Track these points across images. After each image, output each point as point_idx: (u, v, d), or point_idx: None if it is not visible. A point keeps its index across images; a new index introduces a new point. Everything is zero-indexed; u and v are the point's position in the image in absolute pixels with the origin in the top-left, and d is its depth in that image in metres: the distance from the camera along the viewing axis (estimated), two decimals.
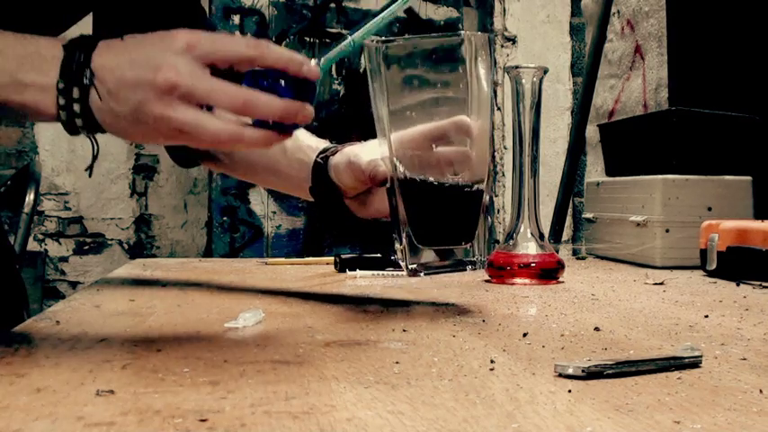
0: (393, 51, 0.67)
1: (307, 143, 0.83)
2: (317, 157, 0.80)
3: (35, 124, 2.78)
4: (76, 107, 0.58)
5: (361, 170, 0.73)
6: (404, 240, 0.70)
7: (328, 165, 0.78)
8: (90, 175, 0.65)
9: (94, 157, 0.62)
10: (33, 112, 0.59)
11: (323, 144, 0.82)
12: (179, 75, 0.56)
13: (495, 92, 2.82)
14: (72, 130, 0.59)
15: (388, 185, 0.71)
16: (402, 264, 0.71)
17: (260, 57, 0.58)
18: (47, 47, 0.59)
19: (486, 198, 0.70)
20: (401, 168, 0.69)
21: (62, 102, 0.57)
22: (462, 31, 0.66)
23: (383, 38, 0.68)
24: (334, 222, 0.82)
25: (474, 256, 0.71)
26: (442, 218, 0.70)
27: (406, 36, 0.70)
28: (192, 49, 0.56)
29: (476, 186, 0.69)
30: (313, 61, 0.62)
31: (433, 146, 0.69)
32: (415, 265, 0.70)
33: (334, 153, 0.79)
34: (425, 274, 0.71)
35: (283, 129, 0.60)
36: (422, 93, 0.69)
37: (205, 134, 0.57)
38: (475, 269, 0.71)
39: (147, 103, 0.56)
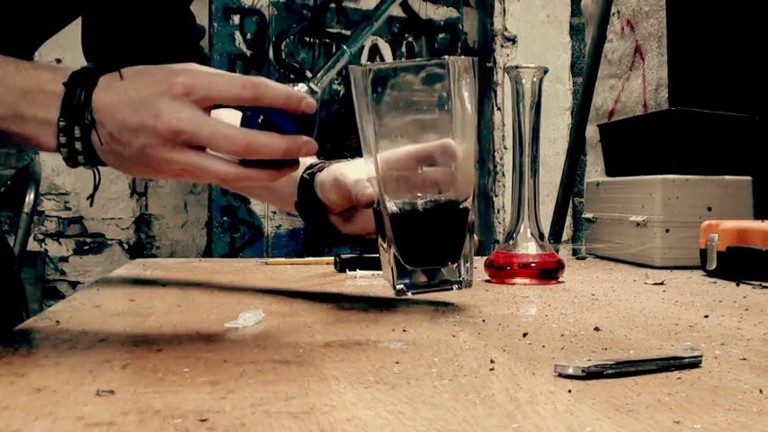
0: (379, 75, 0.68)
1: None
2: (304, 172, 0.80)
3: None
4: (78, 145, 0.58)
5: (348, 189, 0.73)
6: (392, 260, 0.71)
7: (314, 181, 0.78)
8: (91, 204, 0.66)
9: (96, 187, 0.63)
10: (35, 144, 0.59)
11: (309, 160, 0.82)
12: (180, 121, 0.56)
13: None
14: (74, 164, 0.59)
15: (375, 206, 0.71)
16: (389, 283, 0.72)
17: (257, 98, 0.58)
18: (48, 80, 0.59)
19: (472, 217, 0.71)
20: (387, 190, 0.69)
21: (63, 139, 0.57)
22: (446, 57, 0.67)
23: (369, 62, 0.69)
24: (321, 234, 0.83)
25: (460, 276, 0.71)
26: (429, 238, 0.70)
27: (391, 61, 0.71)
28: (190, 94, 0.57)
29: (462, 205, 0.70)
30: (302, 87, 0.63)
31: (419, 167, 0.70)
32: (402, 286, 0.71)
33: (320, 170, 0.79)
34: (413, 294, 0.71)
35: (287, 163, 0.61)
36: (407, 115, 0.70)
37: (210, 176, 0.58)
38: (461, 288, 0.71)
39: (151, 148, 0.57)
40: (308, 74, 2.84)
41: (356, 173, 0.74)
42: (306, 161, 0.81)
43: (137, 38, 0.91)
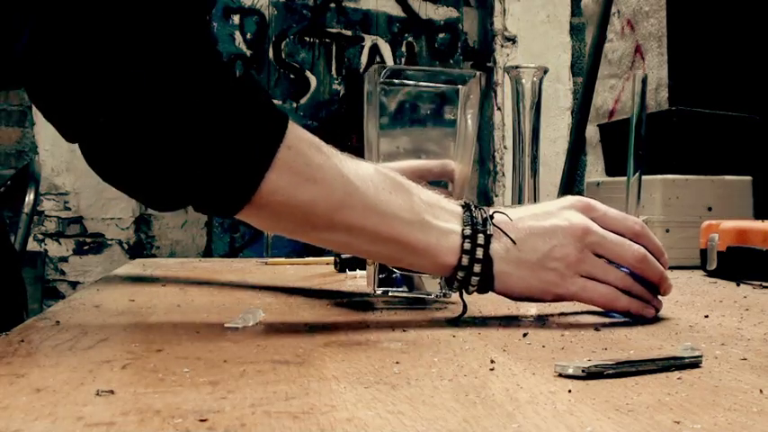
0: (389, 88, 0.71)
1: None
2: None
3: (35, 123, 2.78)
4: (479, 252, 0.61)
5: None
6: (375, 266, 0.72)
7: None
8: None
9: (464, 311, 0.66)
10: (432, 253, 0.61)
11: None
12: (590, 224, 0.63)
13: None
14: (465, 278, 0.62)
15: None
16: (369, 287, 0.74)
17: (639, 270, 0.65)
18: (444, 200, 0.64)
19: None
20: None
21: (467, 245, 0.61)
22: (458, 86, 0.71)
23: (383, 67, 0.71)
24: None
25: (441, 289, 0.73)
26: None
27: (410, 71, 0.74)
28: (591, 211, 0.66)
29: None
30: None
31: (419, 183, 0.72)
32: (380, 290, 0.73)
33: None
34: (390, 295, 0.73)
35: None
36: (411, 128, 0.73)
37: (612, 279, 0.64)
38: (439, 300, 0.73)
39: (563, 248, 0.62)
40: (309, 74, 2.84)
41: None
42: None
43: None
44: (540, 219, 0.63)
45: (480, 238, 0.61)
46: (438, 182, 0.72)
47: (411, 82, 0.72)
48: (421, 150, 0.72)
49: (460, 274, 0.62)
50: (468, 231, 0.61)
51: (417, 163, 0.71)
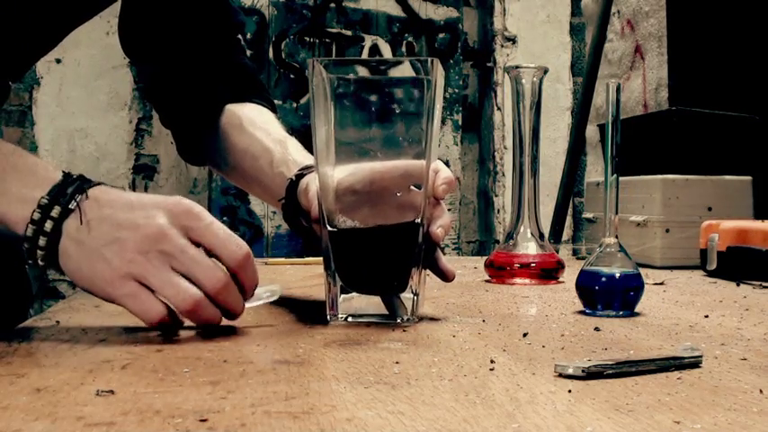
0: (344, 81, 0.62)
1: (293, 157, 0.79)
2: (295, 172, 0.75)
3: (35, 123, 2.78)
4: (48, 225, 0.56)
5: (307, 198, 0.70)
6: (337, 282, 0.64)
7: (299, 183, 0.74)
8: None
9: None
10: (2, 223, 0.57)
11: (308, 161, 0.77)
12: (170, 231, 0.56)
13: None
14: (29, 249, 0.56)
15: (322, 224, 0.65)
16: (328, 308, 0.65)
17: (218, 299, 0.57)
18: (45, 168, 0.58)
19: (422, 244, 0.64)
20: (327, 205, 0.63)
21: (37, 216, 0.56)
22: (426, 69, 0.61)
23: (330, 58, 0.64)
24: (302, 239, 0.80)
25: (412, 309, 0.64)
26: (369, 261, 0.64)
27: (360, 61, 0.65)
28: (188, 216, 0.57)
29: (417, 230, 0.63)
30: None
31: (383, 191, 0.64)
32: (340, 315, 0.64)
33: (311, 172, 0.73)
34: (350, 321, 0.65)
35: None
36: (371, 126, 0.64)
37: (170, 295, 0.56)
38: (404, 322, 0.64)
39: (126, 243, 0.55)
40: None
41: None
42: (304, 161, 0.77)
43: (174, 29, 0.89)
44: (126, 208, 0.57)
45: (55, 211, 0.56)
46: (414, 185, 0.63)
47: (374, 76, 0.64)
48: (390, 145, 0.63)
49: (26, 245, 0.56)
50: (45, 201, 0.56)
51: (378, 166, 0.63)
